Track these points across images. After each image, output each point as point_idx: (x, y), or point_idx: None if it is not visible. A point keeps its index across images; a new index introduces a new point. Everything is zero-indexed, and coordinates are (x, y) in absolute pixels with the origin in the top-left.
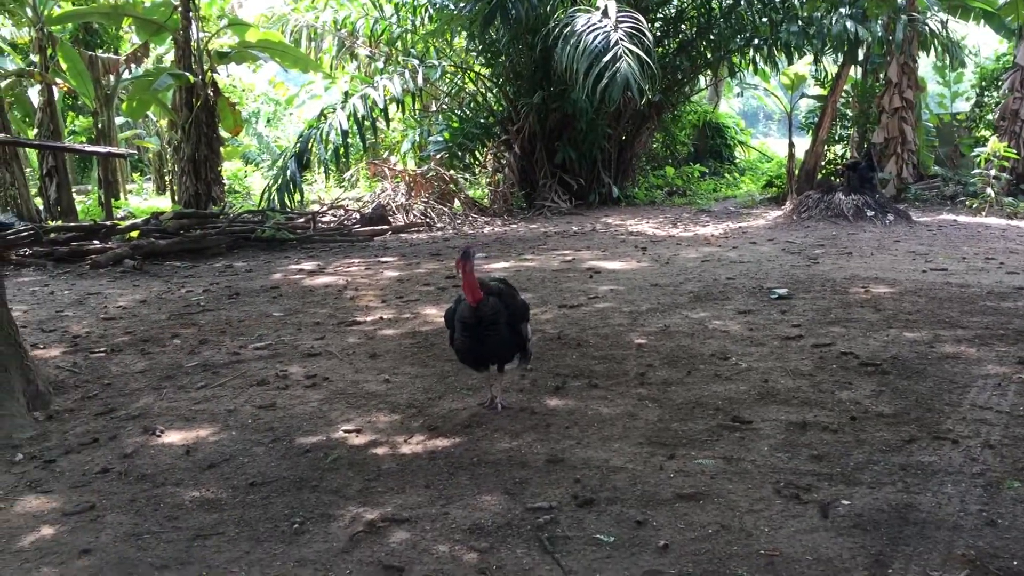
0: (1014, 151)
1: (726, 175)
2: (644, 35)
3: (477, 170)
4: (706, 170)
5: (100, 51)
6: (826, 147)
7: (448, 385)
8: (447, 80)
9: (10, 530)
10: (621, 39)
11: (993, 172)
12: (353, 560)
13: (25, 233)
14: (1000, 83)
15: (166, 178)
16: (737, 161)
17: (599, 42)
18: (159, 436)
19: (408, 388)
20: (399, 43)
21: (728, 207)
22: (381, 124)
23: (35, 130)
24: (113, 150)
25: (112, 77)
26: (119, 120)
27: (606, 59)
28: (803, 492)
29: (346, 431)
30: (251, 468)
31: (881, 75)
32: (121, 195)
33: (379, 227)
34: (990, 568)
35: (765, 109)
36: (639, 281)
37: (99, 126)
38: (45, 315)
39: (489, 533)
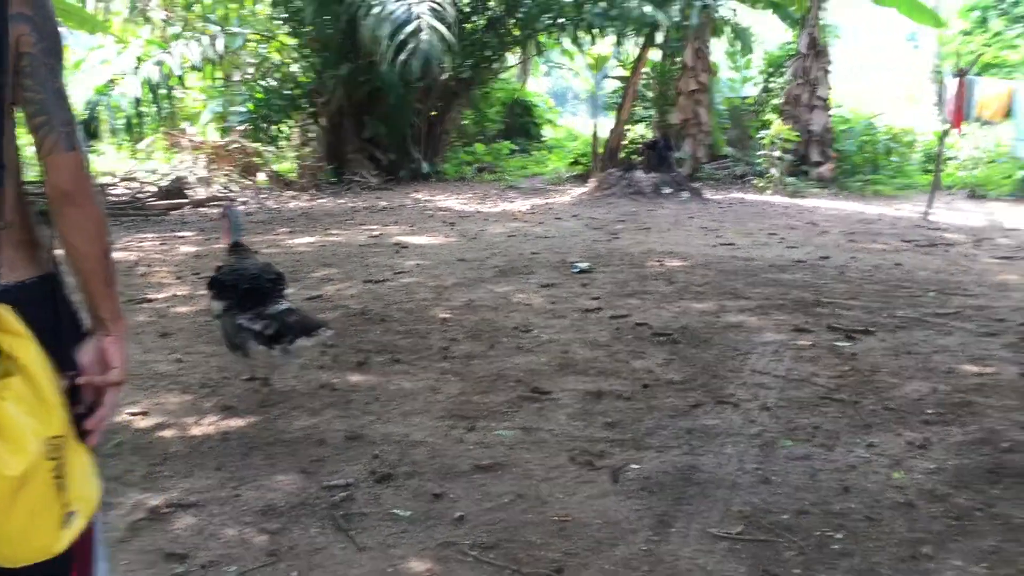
0: (796, 134)
1: (535, 153)
2: (446, 9)
3: (283, 143)
4: (516, 147)
5: None
6: (628, 127)
7: (245, 363)
8: (250, 49)
9: None
10: (423, 12)
11: (777, 153)
12: (132, 549)
13: None
14: (784, 70)
15: None
16: (545, 139)
17: (401, 13)
18: None
19: (202, 367)
20: (197, 7)
21: (536, 184)
22: (179, 92)
23: None
24: None
25: None
26: None
27: (408, 31)
28: (596, 459)
29: (131, 414)
30: None
31: (678, 59)
32: None
33: (176, 201)
34: (763, 522)
35: (574, 89)
36: (446, 256)
37: None
38: None
39: (282, 513)
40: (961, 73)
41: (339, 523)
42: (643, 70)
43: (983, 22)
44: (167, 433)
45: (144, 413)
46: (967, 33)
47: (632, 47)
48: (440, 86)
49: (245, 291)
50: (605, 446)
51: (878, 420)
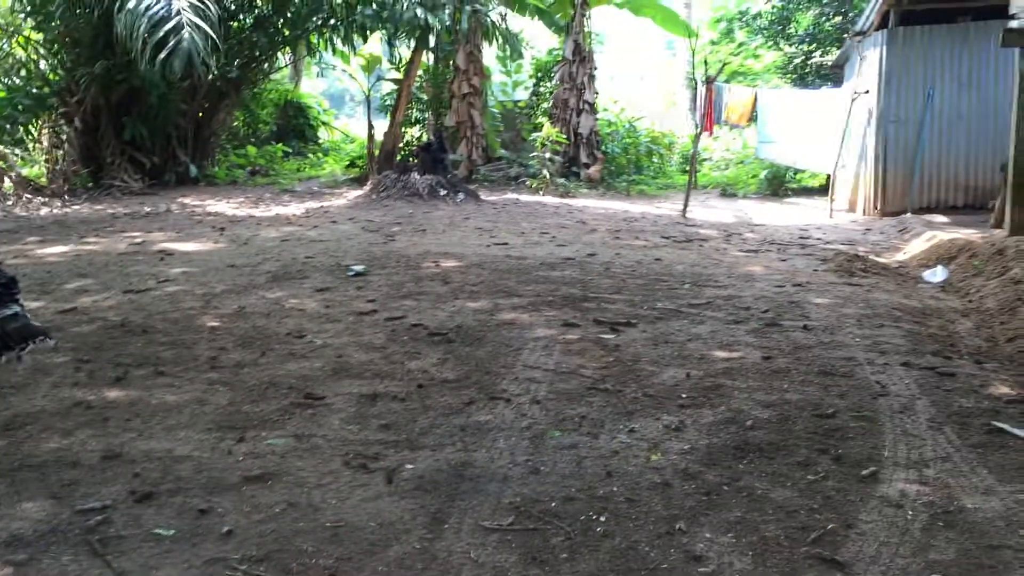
0: (564, 136)
1: (310, 155)
2: (209, 6)
3: (32, 146)
4: (290, 150)
5: None
6: (404, 129)
7: None
8: None
9: None
10: (184, 9)
11: (548, 155)
12: None
13: None
14: (552, 74)
15: None
16: (321, 142)
17: (161, 9)
18: None
19: None
20: None
21: (312, 187)
22: None
23: None
24: None
25: None
26: None
27: (168, 28)
28: (371, 461)
29: None
30: None
31: (451, 62)
32: None
33: None
34: (532, 511)
35: (350, 91)
36: (215, 262)
37: None
38: None
39: (29, 543)
40: (710, 80)
41: (95, 548)
42: (417, 73)
43: (729, 32)
44: None
45: None
46: (715, 43)
47: (405, 50)
48: (206, 86)
49: None
50: (380, 448)
51: (639, 407)
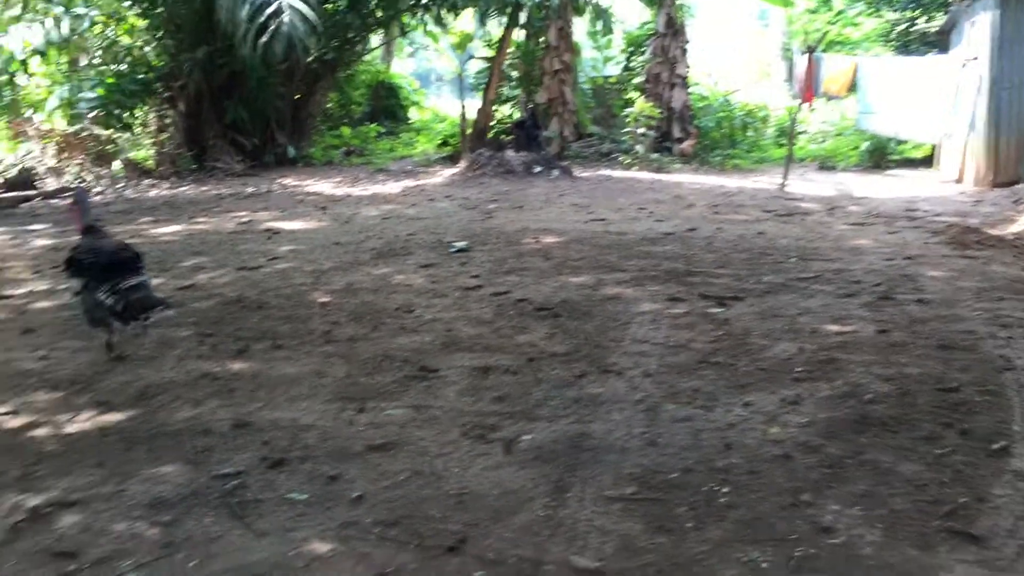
0: (658, 111)
1: (402, 135)
2: None
3: (139, 130)
4: (383, 130)
5: None
6: (495, 107)
7: (117, 357)
8: (98, 32)
9: None
10: None
11: (641, 131)
12: (17, 551)
13: None
14: (644, 49)
15: None
16: (412, 121)
17: None
18: None
19: (70, 363)
20: None
21: (405, 166)
22: (22, 79)
23: None
24: None
25: None
26: None
27: (269, 12)
28: (488, 432)
29: None
30: None
31: (542, 39)
32: None
33: (24, 193)
34: (653, 482)
35: (437, 71)
36: (320, 240)
37: None
38: None
39: (172, 505)
40: (809, 50)
41: (234, 511)
42: (508, 50)
43: (827, 1)
44: (40, 432)
45: (13, 412)
46: (813, 12)
47: (497, 27)
48: (303, 69)
49: (104, 266)
50: (496, 419)
51: (752, 380)
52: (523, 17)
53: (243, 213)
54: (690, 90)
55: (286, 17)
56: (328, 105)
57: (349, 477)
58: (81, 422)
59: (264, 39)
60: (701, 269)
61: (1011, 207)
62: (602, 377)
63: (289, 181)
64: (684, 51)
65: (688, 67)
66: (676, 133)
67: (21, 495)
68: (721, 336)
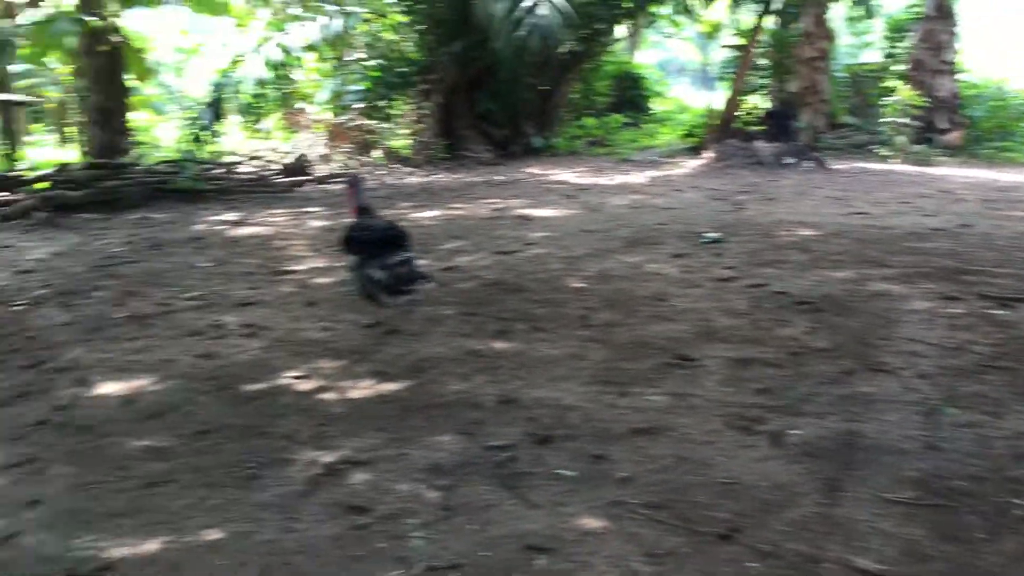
0: (922, 99)
1: (645, 125)
2: None
3: (398, 120)
4: (626, 120)
5: None
6: (743, 97)
7: (391, 331)
8: (365, 28)
9: None
10: None
11: (903, 121)
12: (315, 502)
13: None
14: (908, 34)
15: (69, 129)
16: (655, 112)
17: None
18: (94, 387)
19: (349, 335)
20: None
21: (649, 156)
22: (296, 73)
23: None
24: (12, 97)
25: (7, 21)
26: (16, 68)
27: (525, 6)
28: (753, 423)
29: (292, 377)
30: (197, 416)
31: (796, 26)
32: (19, 147)
33: (300, 178)
34: (937, 488)
35: (677, 61)
36: (571, 228)
37: None
38: None
39: (449, 472)
40: None
41: (506, 482)
42: (760, 37)
43: None
44: (327, 396)
45: (304, 377)
46: None
47: (748, 15)
48: (552, 60)
49: (376, 243)
50: (760, 411)
51: None
52: (778, 3)
53: (495, 200)
54: (959, 78)
55: (543, 10)
56: (573, 96)
57: (614, 458)
58: (362, 389)
59: (519, 32)
60: (978, 267)
61: None
62: (872, 376)
63: (536, 170)
64: (953, 36)
65: (956, 53)
66: (941, 124)
67: (316, 451)
68: (1006, 339)
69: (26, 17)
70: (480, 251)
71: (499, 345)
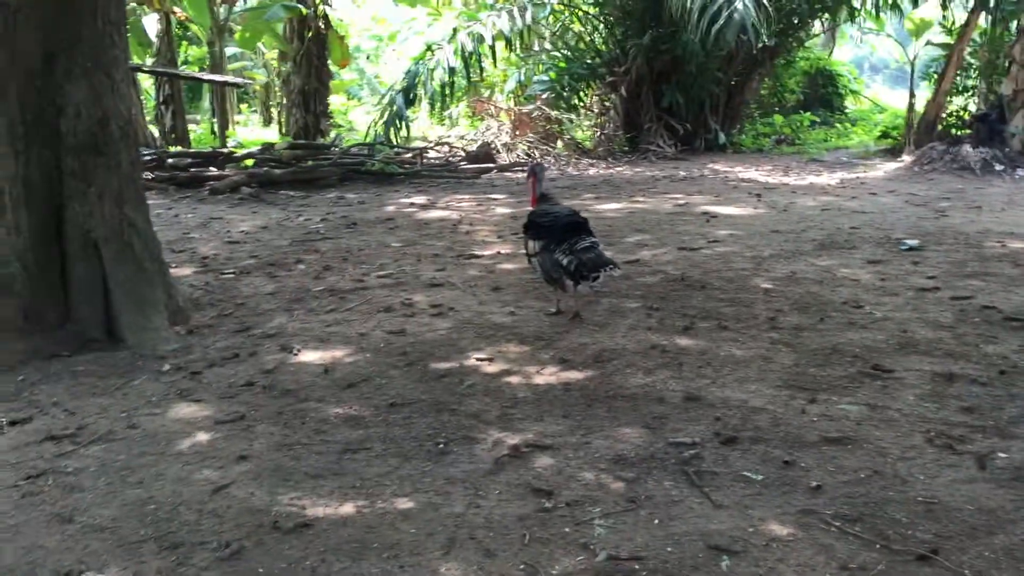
0: None
1: (837, 125)
2: None
3: (581, 112)
4: (816, 119)
5: None
6: (948, 98)
7: (576, 320)
8: (554, 19)
9: (167, 434)
10: None
11: None
12: (501, 481)
13: (148, 158)
14: None
15: (272, 110)
16: (848, 111)
17: None
18: (297, 355)
19: (534, 321)
20: None
21: (840, 157)
22: (486, 62)
23: (150, 59)
24: (232, 79)
25: (225, 8)
26: (229, 51)
27: (724, 0)
28: (956, 443)
29: (479, 359)
30: (389, 389)
31: (1012, 23)
32: (229, 126)
33: (485, 165)
34: None
35: (871, 59)
36: (758, 227)
37: (212, 56)
38: (173, 236)
39: (633, 464)
40: None
41: (692, 479)
42: (971, 36)
43: None
44: (513, 379)
45: (490, 359)
46: None
47: (959, 11)
48: (743, 54)
49: (562, 228)
50: (964, 431)
51: None
52: (992, 0)
53: (678, 195)
54: None
55: (739, 3)
56: (762, 92)
57: (804, 465)
58: (547, 375)
59: (717, 26)
60: None
61: None
62: None
63: (720, 166)
64: None
65: None
66: None
67: (502, 432)
68: None
69: (242, 3)
70: (664, 246)
71: (684, 341)
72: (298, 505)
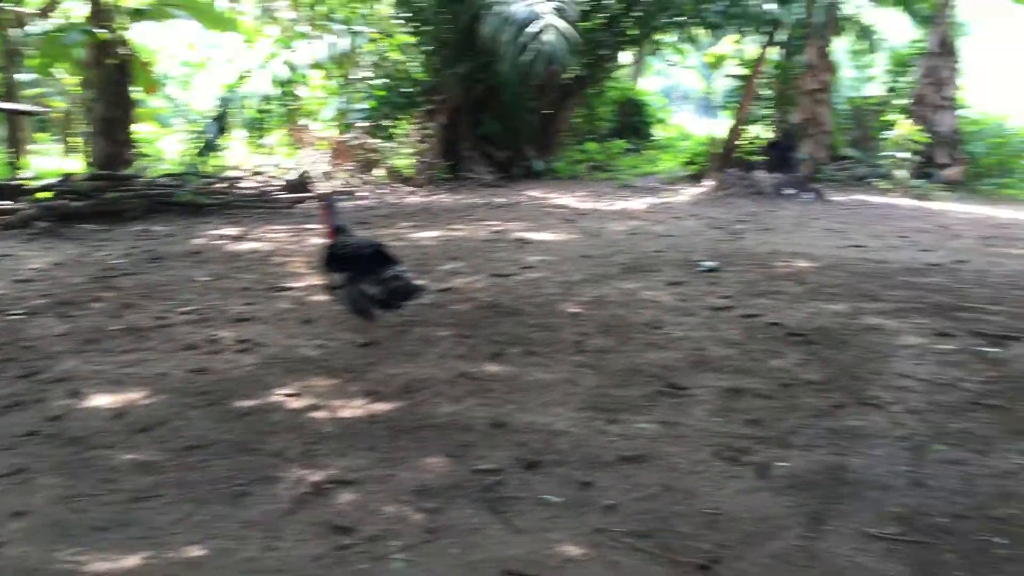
0: (924, 134)
1: (646, 152)
2: (568, 9)
3: (401, 140)
4: (628, 146)
5: (5, 3)
6: (745, 127)
7: (386, 350)
8: (371, 48)
9: None
10: (547, 12)
11: (903, 155)
12: (300, 521)
13: None
14: (912, 68)
15: (74, 139)
16: (657, 139)
17: (525, 13)
18: (86, 399)
19: (343, 354)
20: (323, 7)
21: (650, 183)
22: (302, 90)
23: None
24: (24, 107)
25: (16, 31)
26: (26, 77)
27: (532, 31)
28: (740, 454)
29: (284, 395)
30: (187, 431)
31: (799, 57)
32: (24, 156)
33: (302, 194)
34: (919, 524)
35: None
36: (569, 252)
37: (4, 83)
38: None
39: (436, 494)
40: None
41: (493, 506)
42: (763, 68)
43: None
44: (319, 414)
45: (296, 395)
46: None
47: (752, 45)
48: (556, 84)
49: (369, 256)
50: (748, 442)
51: None
52: (782, 35)
53: (494, 222)
54: (959, 113)
55: (548, 36)
56: (576, 120)
57: (601, 485)
58: (354, 408)
59: (527, 57)
60: (972, 304)
61: None
62: (861, 410)
63: (536, 193)
64: (955, 72)
65: (958, 89)
66: (941, 159)
67: (304, 470)
68: (997, 377)
69: (36, 27)
70: (477, 273)
71: (492, 368)
72: (76, 561)
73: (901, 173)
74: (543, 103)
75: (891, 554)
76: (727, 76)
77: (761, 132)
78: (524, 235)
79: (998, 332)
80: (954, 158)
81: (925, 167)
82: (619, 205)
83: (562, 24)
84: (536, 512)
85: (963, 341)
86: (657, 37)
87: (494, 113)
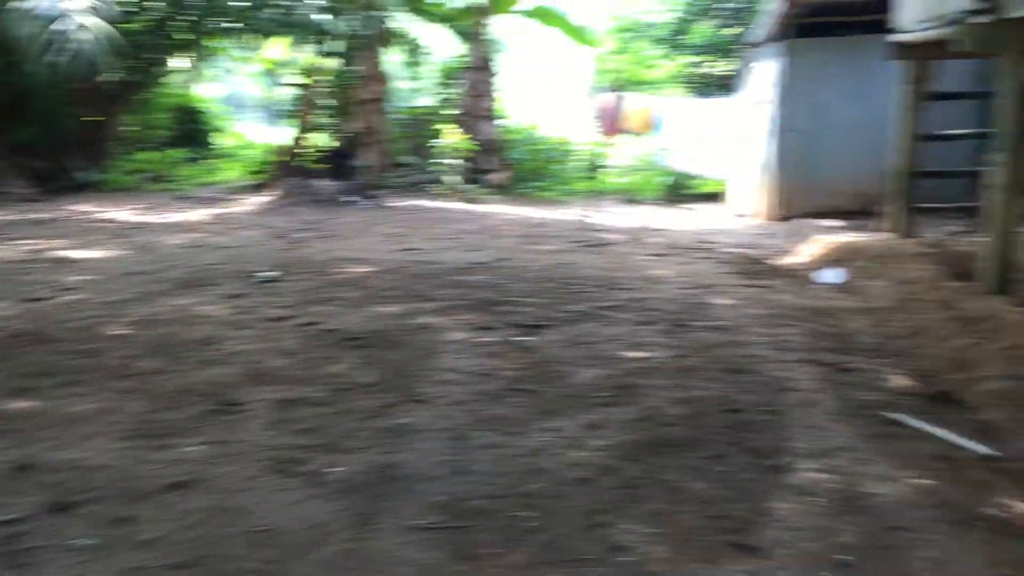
0: (474, 143)
1: (207, 161)
2: (104, 8)
3: None
4: (188, 155)
5: None
6: (307, 135)
7: None
8: None
9: None
10: (77, 9)
11: (451, 161)
12: None
13: None
14: (459, 81)
15: None
16: (219, 147)
17: (54, 10)
18: None
19: None
20: None
21: (212, 193)
22: None
23: None
24: None
25: None
26: None
27: (59, 28)
28: (294, 465)
29: None
30: None
31: (354, 68)
32: None
33: None
34: (460, 509)
35: (241, 96)
36: (117, 270)
37: None
38: None
39: None
40: (611, 90)
41: (12, 560)
42: (319, 78)
43: (629, 43)
44: None
45: None
46: (617, 53)
47: (308, 54)
48: (100, 89)
49: None
50: (302, 453)
51: (558, 406)
52: (338, 46)
53: (31, 241)
54: (501, 123)
55: (81, 35)
56: (128, 129)
57: (143, 519)
58: None
59: (58, 57)
60: (511, 298)
61: (794, 239)
62: (410, 406)
63: (85, 207)
64: (493, 85)
65: (495, 101)
66: (487, 165)
67: None
68: (529, 364)
69: None
70: (4, 299)
71: (20, 404)
72: None
73: (453, 178)
74: (87, 110)
75: (432, 543)
76: (286, 84)
77: (323, 141)
78: (66, 254)
79: (531, 322)
80: (500, 164)
81: (474, 173)
82: (177, 217)
83: (97, 23)
84: (64, 559)
85: (502, 333)
86: (208, 43)
87: (28, 120)
